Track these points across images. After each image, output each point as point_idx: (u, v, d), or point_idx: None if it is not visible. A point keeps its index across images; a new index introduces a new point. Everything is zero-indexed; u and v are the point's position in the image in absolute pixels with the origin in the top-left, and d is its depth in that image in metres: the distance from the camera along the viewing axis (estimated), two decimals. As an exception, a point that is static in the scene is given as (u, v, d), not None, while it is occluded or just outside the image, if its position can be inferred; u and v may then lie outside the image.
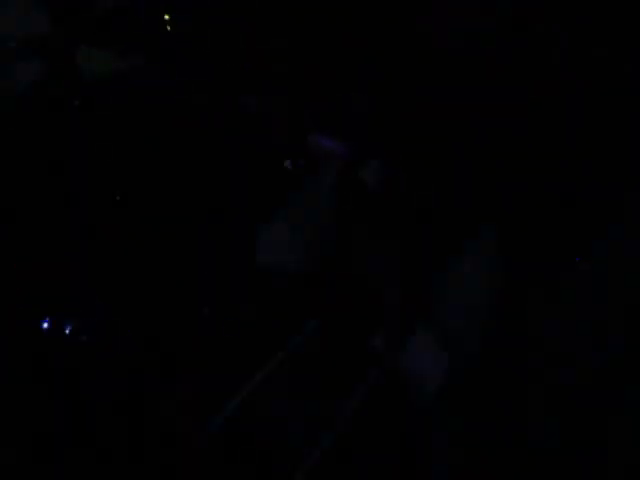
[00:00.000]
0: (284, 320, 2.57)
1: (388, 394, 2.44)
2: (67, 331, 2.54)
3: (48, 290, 2.61)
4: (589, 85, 2.59)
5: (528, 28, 2.58)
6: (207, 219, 2.81)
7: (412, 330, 2.47)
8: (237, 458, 2.35)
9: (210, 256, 2.73)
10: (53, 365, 2.46)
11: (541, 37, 2.58)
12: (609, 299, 2.53)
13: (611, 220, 2.60)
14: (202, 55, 3.06)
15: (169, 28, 3.10)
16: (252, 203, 2.80)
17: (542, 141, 2.68)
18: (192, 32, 3.08)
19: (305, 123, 2.88)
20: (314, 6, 2.94)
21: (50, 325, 2.55)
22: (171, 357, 2.51)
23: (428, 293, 2.53)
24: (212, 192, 2.86)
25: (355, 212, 2.66)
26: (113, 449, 2.31)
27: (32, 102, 3.01)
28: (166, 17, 3.10)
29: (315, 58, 2.94)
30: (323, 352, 2.47)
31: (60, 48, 3.15)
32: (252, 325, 2.56)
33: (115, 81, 3.03)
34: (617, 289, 2.53)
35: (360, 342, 2.50)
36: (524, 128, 2.68)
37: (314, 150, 2.73)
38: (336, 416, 2.38)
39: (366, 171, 2.70)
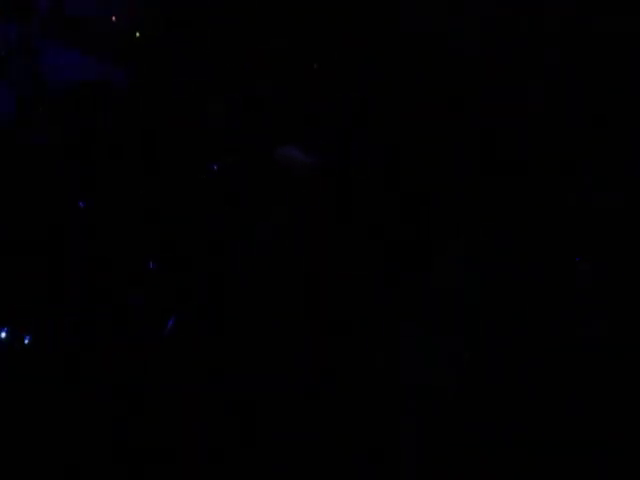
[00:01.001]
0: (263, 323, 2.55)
1: (361, 393, 2.42)
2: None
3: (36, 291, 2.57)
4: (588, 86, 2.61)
5: (527, 29, 2.59)
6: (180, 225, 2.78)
7: (394, 330, 2.46)
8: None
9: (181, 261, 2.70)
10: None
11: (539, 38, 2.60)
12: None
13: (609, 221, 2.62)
14: (172, 60, 3.07)
15: (138, 34, 3.12)
16: (220, 213, 2.79)
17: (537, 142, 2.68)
18: (161, 38, 3.10)
19: (275, 132, 2.86)
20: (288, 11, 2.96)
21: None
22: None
23: (405, 296, 2.52)
24: (182, 199, 2.84)
25: (327, 221, 2.63)
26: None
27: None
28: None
29: (291, 65, 2.95)
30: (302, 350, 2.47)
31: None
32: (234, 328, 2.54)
33: (83, 87, 3.02)
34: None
35: (334, 340, 2.48)
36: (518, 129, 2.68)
37: (283, 161, 2.69)
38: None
39: (337, 180, 2.69)
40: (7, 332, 2.46)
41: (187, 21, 3.10)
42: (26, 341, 2.45)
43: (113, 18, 3.29)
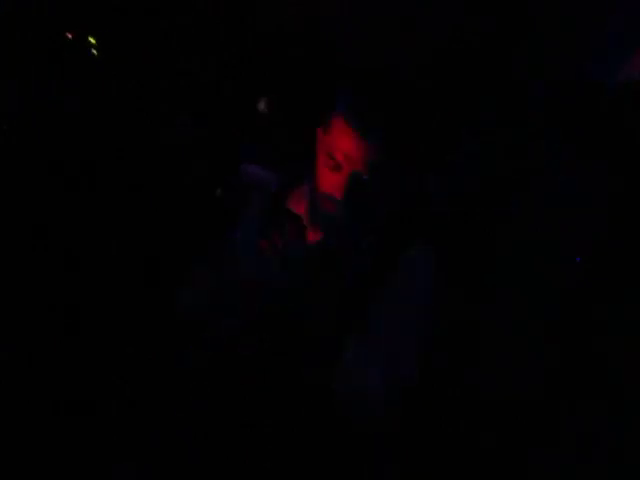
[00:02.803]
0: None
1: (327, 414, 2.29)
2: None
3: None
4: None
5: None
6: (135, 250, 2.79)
7: (347, 347, 2.34)
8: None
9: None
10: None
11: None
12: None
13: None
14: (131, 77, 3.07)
15: (96, 52, 3.08)
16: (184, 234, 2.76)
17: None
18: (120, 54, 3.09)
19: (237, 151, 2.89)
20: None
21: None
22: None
23: (364, 310, 2.40)
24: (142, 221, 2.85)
25: (288, 239, 2.57)
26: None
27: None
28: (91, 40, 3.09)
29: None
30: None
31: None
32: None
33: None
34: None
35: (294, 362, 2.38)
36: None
37: (245, 179, 2.67)
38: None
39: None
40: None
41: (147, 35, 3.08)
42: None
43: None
